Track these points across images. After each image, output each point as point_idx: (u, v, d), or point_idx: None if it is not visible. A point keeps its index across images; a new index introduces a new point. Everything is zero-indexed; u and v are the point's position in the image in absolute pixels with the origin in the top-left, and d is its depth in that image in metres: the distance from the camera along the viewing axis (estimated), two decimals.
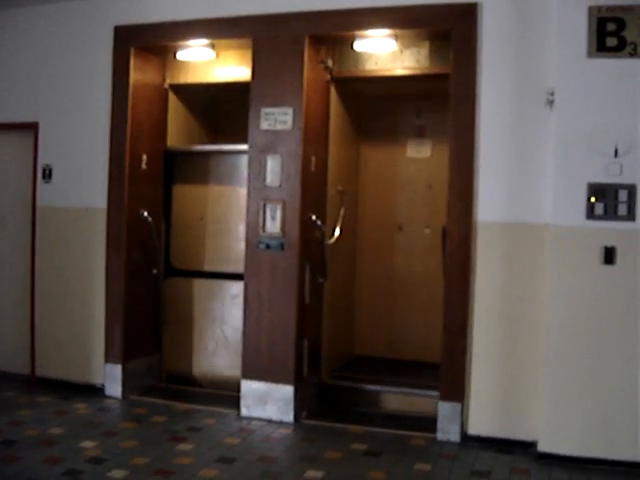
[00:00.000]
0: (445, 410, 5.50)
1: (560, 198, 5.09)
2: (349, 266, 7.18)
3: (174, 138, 6.93)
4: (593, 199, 5.00)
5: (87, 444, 5.24)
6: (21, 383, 6.75)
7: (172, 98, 6.90)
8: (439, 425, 5.52)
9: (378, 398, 6.35)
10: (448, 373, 5.51)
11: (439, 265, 5.73)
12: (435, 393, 5.65)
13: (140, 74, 6.45)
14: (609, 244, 4.98)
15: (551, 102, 5.16)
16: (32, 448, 5.12)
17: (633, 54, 4.94)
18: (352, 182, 6.92)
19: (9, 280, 7.09)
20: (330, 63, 6.20)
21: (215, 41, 6.21)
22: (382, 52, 6.09)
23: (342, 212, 6.69)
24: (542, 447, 5.13)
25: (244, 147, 6.06)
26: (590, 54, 5.02)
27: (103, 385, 6.48)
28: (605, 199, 4.98)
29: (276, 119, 5.86)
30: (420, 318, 7.04)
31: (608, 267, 4.99)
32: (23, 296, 6.87)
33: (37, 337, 6.75)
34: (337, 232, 6.58)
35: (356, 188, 7.00)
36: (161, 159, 6.79)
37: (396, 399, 6.28)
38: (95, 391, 6.48)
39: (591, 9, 5.00)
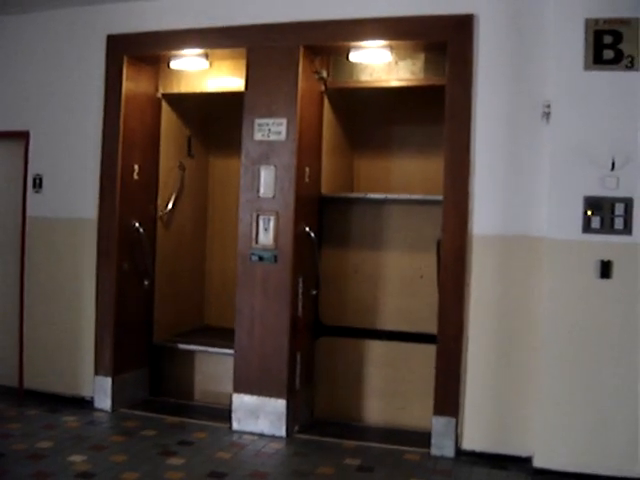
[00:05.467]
0: (439, 425, 5.45)
1: (556, 211, 5.06)
2: None
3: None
4: (589, 212, 4.97)
5: (76, 458, 5.16)
6: (9, 395, 6.65)
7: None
8: (433, 440, 5.47)
9: None
10: (442, 387, 5.46)
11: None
12: None
13: (133, 83, 6.40)
14: (605, 258, 4.94)
15: (547, 114, 5.13)
16: (20, 462, 5.04)
17: (630, 67, 4.92)
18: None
19: None
20: (324, 74, 6.15)
21: (209, 51, 6.17)
22: (377, 63, 6.05)
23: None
24: (537, 462, 5.09)
25: None
26: (587, 67, 5.00)
27: (92, 398, 6.40)
28: (601, 212, 4.95)
29: (270, 130, 5.82)
30: None
31: (604, 281, 4.95)
32: (12, 307, 6.78)
33: (26, 349, 6.67)
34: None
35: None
36: (154, 168, 6.75)
37: None
38: (84, 404, 6.39)
39: (588, 21, 4.98)
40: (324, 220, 6.38)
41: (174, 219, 7.09)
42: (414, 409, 6.10)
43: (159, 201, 6.85)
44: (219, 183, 7.60)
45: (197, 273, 7.55)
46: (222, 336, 6.71)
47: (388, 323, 6.34)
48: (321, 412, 6.37)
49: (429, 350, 5.74)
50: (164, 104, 6.84)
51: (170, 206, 6.96)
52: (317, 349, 6.37)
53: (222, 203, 7.51)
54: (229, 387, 6.09)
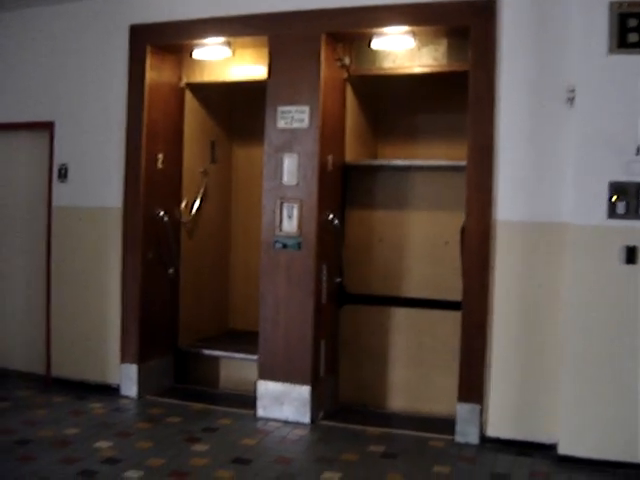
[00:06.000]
0: (464, 412, 5.44)
1: (581, 197, 5.01)
2: None
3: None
4: (615, 198, 4.91)
5: (102, 444, 5.21)
6: (36, 383, 6.74)
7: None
8: (458, 427, 5.46)
9: None
10: (466, 374, 5.45)
11: None
12: None
13: (156, 73, 6.43)
14: (631, 243, 4.89)
15: (571, 99, 5.08)
16: (47, 448, 5.10)
17: None
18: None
19: (25, 280, 7.09)
20: (347, 61, 6.14)
21: (231, 39, 6.18)
22: (399, 50, 6.02)
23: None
24: (562, 450, 5.05)
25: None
26: (611, 50, 4.93)
27: (119, 385, 6.46)
28: (627, 198, 4.89)
29: (292, 117, 5.81)
30: None
31: (629, 267, 4.90)
32: (39, 296, 6.86)
33: (53, 337, 6.74)
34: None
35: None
36: (178, 157, 6.79)
37: None
38: (111, 391, 6.46)
39: (612, 4, 4.91)
40: (348, 188, 6.39)
41: (199, 223, 7.16)
42: (438, 376, 6.14)
43: (182, 204, 6.92)
44: (242, 171, 7.68)
45: (221, 274, 7.65)
46: (248, 340, 6.71)
47: (412, 290, 6.34)
48: (345, 381, 6.40)
49: (453, 317, 5.77)
50: (187, 93, 6.86)
51: (194, 212, 7.02)
52: (341, 317, 6.38)
53: (246, 200, 7.58)
54: (254, 375, 6.12)
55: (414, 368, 6.29)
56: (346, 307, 6.38)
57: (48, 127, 6.73)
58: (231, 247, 7.74)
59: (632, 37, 4.89)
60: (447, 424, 5.59)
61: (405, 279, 6.38)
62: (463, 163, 5.53)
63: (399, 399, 6.35)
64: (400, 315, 6.37)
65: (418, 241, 6.36)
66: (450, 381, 5.71)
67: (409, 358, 6.33)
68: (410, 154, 6.61)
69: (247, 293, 7.37)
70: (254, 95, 6.49)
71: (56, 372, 6.74)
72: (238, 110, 7.58)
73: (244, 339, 7.06)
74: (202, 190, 7.13)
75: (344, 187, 6.33)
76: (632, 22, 4.88)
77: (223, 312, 7.69)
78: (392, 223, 6.42)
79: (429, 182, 6.29)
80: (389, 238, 6.43)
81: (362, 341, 6.44)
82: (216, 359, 6.87)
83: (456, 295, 5.66)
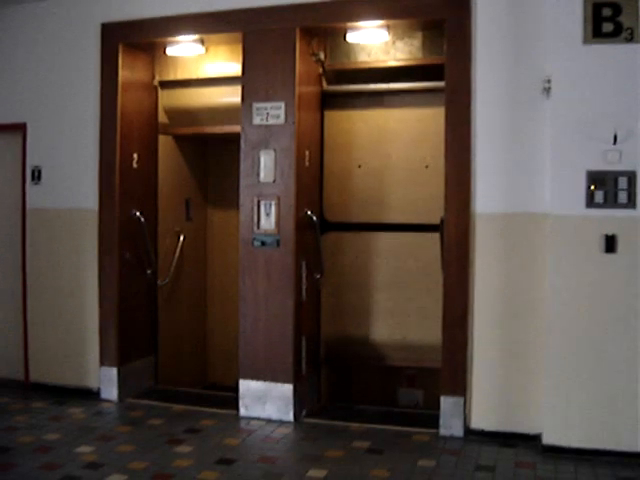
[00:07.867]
0: (447, 405, 5.43)
1: (559, 187, 5.02)
2: None
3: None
4: (593, 187, 4.93)
5: (84, 449, 5.15)
6: (15, 389, 6.65)
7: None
8: (442, 420, 5.45)
9: None
10: (449, 367, 5.44)
11: None
12: None
13: (129, 71, 6.35)
14: (610, 232, 4.91)
15: (548, 90, 5.09)
16: (28, 455, 5.03)
17: (630, 39, 4.87)
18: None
19: (0, 284, 6.98)
20: (322, 56, 6.11)
21: (204, 36, 6.13)
22: (375, 43, 6.01)
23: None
24: (546, 440, 5.07)
25: None
26: (586, 40, 4.95)
27: (99, 389, 6.39)
28: (605, 187, 4.91)
29: (268, 113, 5.77)
30: None
31: (609, 255, 4.93)
32: (15, 300, 6.76)
33: (30, 342, 6.65)
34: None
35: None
36: (153, 156, 6.71)
37: None
38: (91, 395, 6.39)
39: None
40: (326, 116, 6.41)
41: (176, 283, 7.20)
42: (421, 299, 6.24)
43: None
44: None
45: (199, 332, 7.72)
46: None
47: (393, 215, 6.41)
48: (327, 311, 6.48)
49: (434, 239, 5.83)
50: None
51: (171, 272, 7.01)
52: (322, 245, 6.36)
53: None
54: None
55: (398, 292, 6.36)
56: (328, 235, 6.40)
57: (20, 129, 6.64)
58: (208, 307, 7.82)
59: (607, 27, 4.91)
60: (431, 418, 5.58)
61: (385, 205, 6.45)
62: (441, 84, 5.51)
63: (384, 326, 6.45)
64: (382, 240, 6.45)
65: (398, 165, 6.40)
66: (435, 304, 5.73)
67: (393, 283, 6.41)
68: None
69: (226, 349, 7.37)
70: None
71: (35, 377, 6.66)
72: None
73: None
74: (178, 250, 7.13)
75: (321, 115, 6.36)
76: (606, 12, 4.90)
77: (202, 368, 7.70)
78: (371, 149, 6.47)
79: (407, 105, 6.33)
80: (369, 164, 6.49)
81: (344, 268, 6.51)
82: None
83: (437, 218, 5.69)
